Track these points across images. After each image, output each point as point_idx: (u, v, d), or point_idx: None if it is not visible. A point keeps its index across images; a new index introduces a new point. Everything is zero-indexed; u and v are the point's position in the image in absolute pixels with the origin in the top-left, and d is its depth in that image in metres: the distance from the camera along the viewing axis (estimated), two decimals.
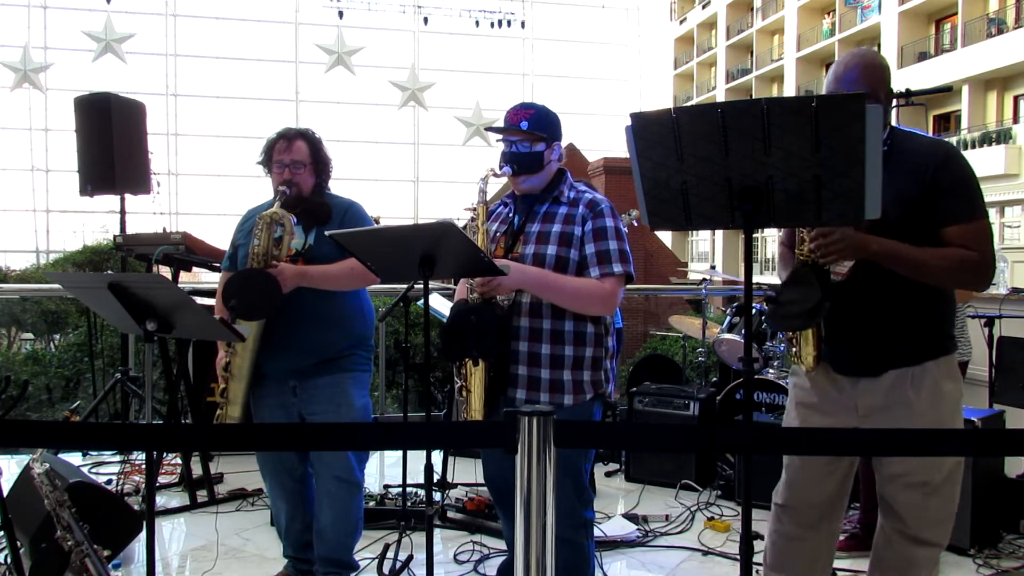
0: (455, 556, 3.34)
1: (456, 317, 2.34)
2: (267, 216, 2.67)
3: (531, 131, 2.40)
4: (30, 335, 11.31)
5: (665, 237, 21.87)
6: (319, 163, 2.84)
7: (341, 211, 2.82)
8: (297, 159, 2.78)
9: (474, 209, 2.48)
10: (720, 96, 31.47)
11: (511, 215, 2.53)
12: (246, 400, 2.75)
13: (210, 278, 4.68)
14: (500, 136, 2.46)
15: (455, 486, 4.04)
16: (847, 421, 2.19)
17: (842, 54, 2.24)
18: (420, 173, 30.23)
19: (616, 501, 4.12)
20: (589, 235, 2.39)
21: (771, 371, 4.24)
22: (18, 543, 2.59)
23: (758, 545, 2.16)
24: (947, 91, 2.93)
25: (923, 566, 2.18)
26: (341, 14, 27.26)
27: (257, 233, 2.67)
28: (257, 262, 2.65)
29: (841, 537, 3.39)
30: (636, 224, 4.26)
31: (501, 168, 2.43)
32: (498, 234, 2.50)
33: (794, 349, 2.27)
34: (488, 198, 2.50)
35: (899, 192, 2.06)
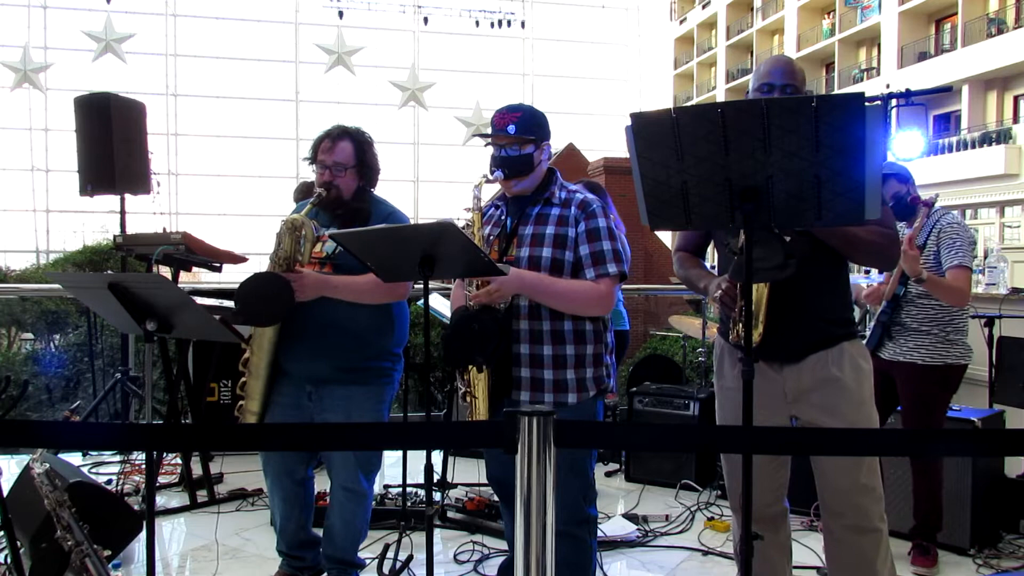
0: (455, 556, 3.35)
1: (458, 325, 2.34)
2: (288, 222, 2.64)
3: (519, 135, 2.41)
4: (30, 335, 11.31)
5: (665, 237, 21.83)
6: (364, 166, 2.76)
7: (380, 218, 2.75)
8: (339, 161, 2.71)
9: (469, 214, 2.48)
10: (720, 96, 31.45)
11: (503, 217, 2.53)
12: (265, 396, 2.75)
13: (210, 278, 4.68)
14: (489, 140, 2.46)
15: (455, 486, 4.04)
16: (778, 409, 2.29)
17: (764, 61, 2.41)
18: (420, 173, 30.22)
19: (616, 501, 4.12)
20: (583, 236, 2.40)
21: None
22: (18, 543, 2.59)
23: (758, 545, 2.17)
24: (947, 91, 2.97)
25: (874, 553, 2.24)
26: (341, 14, 27.23)
27: (281, 238, 2.64)
28: (279, 266, 2.63)
29: None
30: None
31: (492, 173, 2.44)
32: (491, 237, 2.50)
33: (739, 326, 2.26)
34: (483, 204, 2.51)
35: None
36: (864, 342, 2.85)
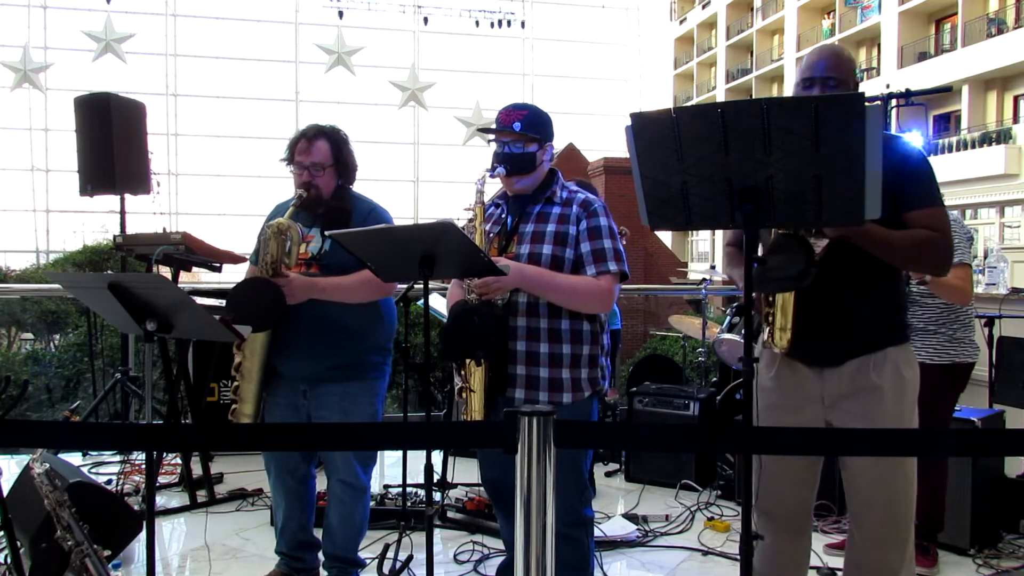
0: (455, 556, 3.35)
1: (457, 318, 2.34)
2: (274, 226, 2.65)
3: (524, 132, 2.41)
4: (30, 335, 11.31)
5: (665, 237, 21.82)
6: (341, 164, 2.77)
7: (362, 215, 2.77)
8: (317, 161, 2.72)
9: (472, 210, 2.49)
10: (720, 96, 31.45)
11: (503, 216, 2.54)
12: (258, 399, 2.76)
13: (210, 278, 4.68)
14: (493, 137, 2.47)
15: (455, 486, 4.04)
16: (814, 413, 2.21)
17: (810, 51, 2.33)
18: (420, 173, 30.24)
19: (616, 501, 4.12)
20: (584, 234, 2.41)
21: None
22: (18, 543, 2.59)
23: (758, 545, 2.16)
24: (947, 91, 2.94)
25: (898, 563, 2.20)
26: (341, 14, 27.24)
27: (267, 242, 2.65)
28: (267, 270, 2.63)
29: (840, 537, 3.41)
30: (625, 242, 4.23)
31: (494, 169, 2.44)
32: (491, 235, 2.50)
33: (767, 329, 2.24)
34: (486, 199, 2.51)
35: None
36: None
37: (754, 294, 2.31)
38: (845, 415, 2.17)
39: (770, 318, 2.22)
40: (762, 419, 2.29)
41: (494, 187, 2.58)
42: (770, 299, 2.22)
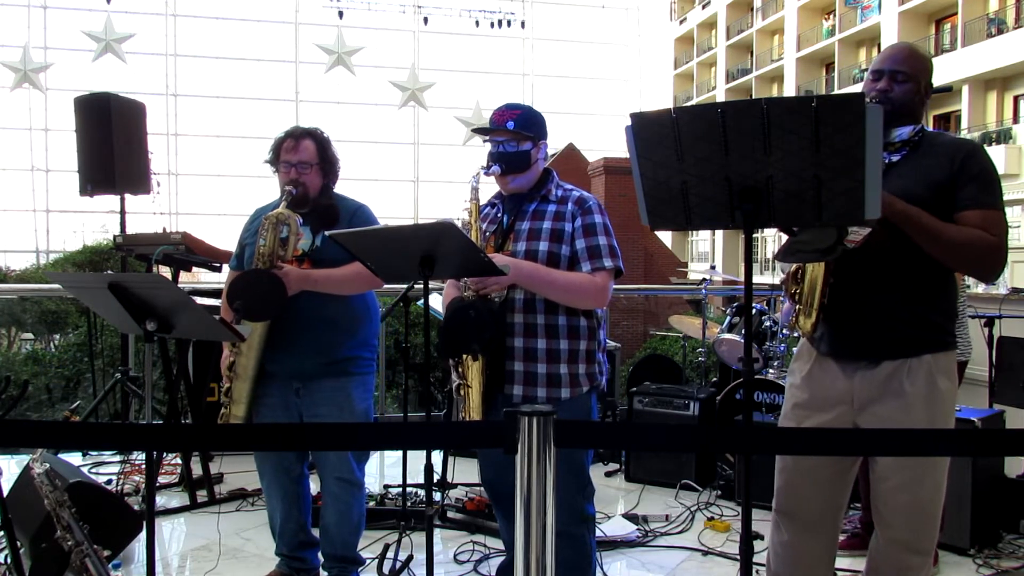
0: (455, 556, 3.34)
1: (454, 313, 2.35)
2: (273, 216, 2.67)
3: (517, 131, 2.43)
4: (30, 335, 11.31)
5: (665, 237, 21.82)
6: (327, 163, 2.82)
7: (349, 213, 2.80)
8: (304, 159, 2.76)
9: (467, 208, 2.49)
10: (720, 96, 31.46)
11: (499, 215, 2.55)
12: (250, 399, 2.75)
13: (210, 278, 4.68)
14: (488, 136, 2.47)
15: (455, 486, 4.04)
16: (843, 414, 2.15)
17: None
18: (420, 173, 30.25)
19: (616, 501, 4.12)
20: (579, 231, 2.42)
21: (771, 371, 4.24)
22: (18, 543, 2.59)
23: (758, 545, 2.16)
24: (947, 91, 2.92)
25: (916, 573, 2.15)
26: (341, 14, 27.27)
27: (263, 233, 2.66)
28: (263, 262, 2.64)
29: (841, 537, 3.41)
30: None
31: (489, 168, 2.45)
32: (488, 233, 2.51)
33: (797, 307, 2.20)
34: (481, 197, 2.52)
35: (927, 175, 2.06)
36: None
37: (783, 271, 2.30)
38: (872, 419, 2.10)
39: (797, 297, 2.19)
40: (789, 418, 2.26)
41: (490, 188, 2.58)
42: (798, 276, 2.19)
